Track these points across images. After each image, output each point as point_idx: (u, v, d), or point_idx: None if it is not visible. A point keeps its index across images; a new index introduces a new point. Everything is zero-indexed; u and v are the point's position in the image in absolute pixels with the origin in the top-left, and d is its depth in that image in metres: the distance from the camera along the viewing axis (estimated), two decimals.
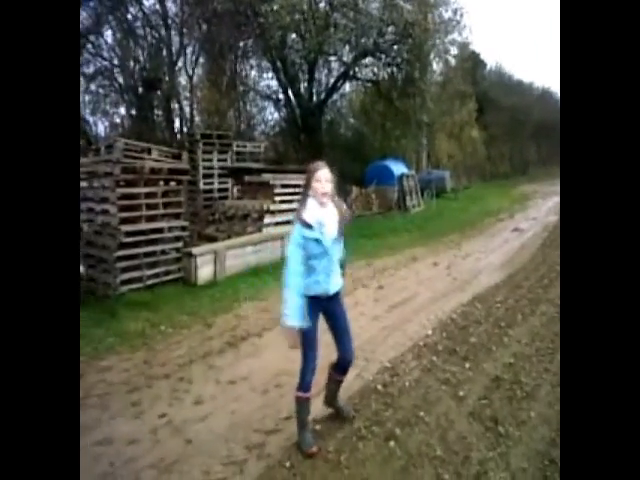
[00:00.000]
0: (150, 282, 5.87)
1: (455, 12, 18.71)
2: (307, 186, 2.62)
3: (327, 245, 2.58)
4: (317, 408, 3.10)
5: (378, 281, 6.45)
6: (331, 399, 3.04)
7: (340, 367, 2.89)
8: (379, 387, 3.47)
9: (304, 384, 2.70)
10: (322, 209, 2.59)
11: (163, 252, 6.13)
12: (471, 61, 25.63)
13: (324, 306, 2.73)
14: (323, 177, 2.58)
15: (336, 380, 2.95)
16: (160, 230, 6.07)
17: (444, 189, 17.38)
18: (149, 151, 8.42)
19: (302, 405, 2.74)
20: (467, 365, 3.83)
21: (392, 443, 2.79)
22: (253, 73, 16.78)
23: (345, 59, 14.83)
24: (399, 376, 3.65)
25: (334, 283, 2.72)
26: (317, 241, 2.56)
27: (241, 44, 14.42)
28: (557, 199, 17.53)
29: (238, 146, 11.62)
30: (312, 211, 2.57)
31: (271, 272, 6.24)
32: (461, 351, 4.10)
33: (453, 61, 21.52)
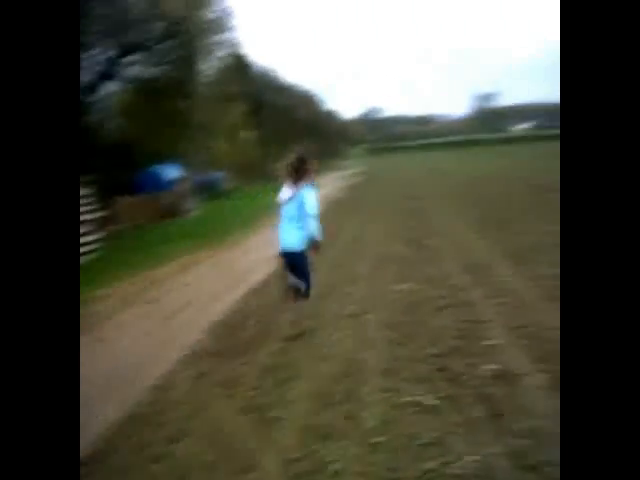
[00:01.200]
0: None
1: (223, 12, 18.95)
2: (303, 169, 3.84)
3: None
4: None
5: (149, 294, 6.09)
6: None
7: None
8: (146, 410, 3.24)
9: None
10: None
11: None
12: (240, 62, 26.42)
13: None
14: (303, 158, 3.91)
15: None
16: None
17: (221, 190, 17.56)
18: None
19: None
20: (240, 361, 3.90)
21: (157, 466, 2.64)
22: None
23: (109, 55, 13.55)
24: (170, 391, 3.49)
25: None
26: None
27: None
28: (322, 191, 19.58)
29: None
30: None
31: None
32: (234, 348, 4.16)
33: (223, 61, 21.83)
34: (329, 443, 2.73)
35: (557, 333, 3.74)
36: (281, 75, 37.98)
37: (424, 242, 7.72)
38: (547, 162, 24.01)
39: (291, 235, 3.92)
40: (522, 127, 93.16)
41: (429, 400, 3.07)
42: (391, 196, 15.55)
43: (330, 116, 55.94)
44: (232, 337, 4.43)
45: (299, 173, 3.83)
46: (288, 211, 3.88)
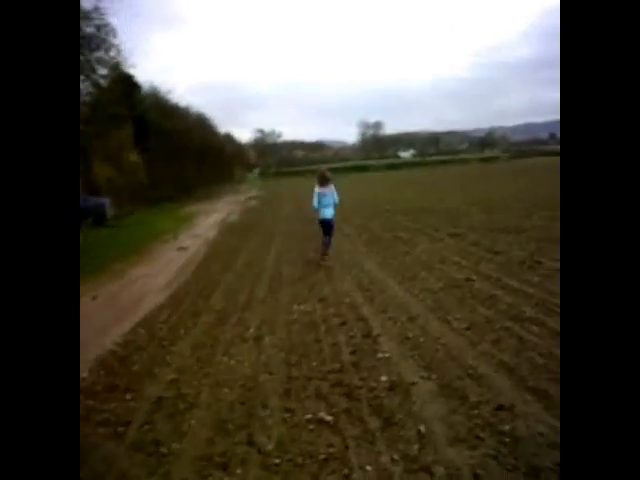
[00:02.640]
0: None
1: (99, 28, 17.79)
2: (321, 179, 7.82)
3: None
4: None
5: None
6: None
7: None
8: None
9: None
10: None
11: None
12: (125, 83, 25.09)
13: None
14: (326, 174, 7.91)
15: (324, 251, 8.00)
16: None
17: (105, 217, 16.38)
18: None
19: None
20: (129, 396, 3.63)
21: None
22: None
23: None
24: None
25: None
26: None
27: None
28: (217, 215, 19.20)
29: None
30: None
31: None
32: (122, 384, 3.86)
33: (102, 81, 20.56)
34: (228, 471, 2.64)
35: (442, 342, 4.08)
36: (173, 97, 36.89)
37: (321, 263, 7.92)
38: (426, 187, 26.23)
39: (328, 211, 7.78)
40: (406, 153, 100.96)
41: (327, 416, 3.12)
42: (286, 219, 15.71)
43: (225, 139, 55.50)
44: (120, 372, 4.11)
45: (323, 180, 7.76)
46: (326, 199, 7.74)
